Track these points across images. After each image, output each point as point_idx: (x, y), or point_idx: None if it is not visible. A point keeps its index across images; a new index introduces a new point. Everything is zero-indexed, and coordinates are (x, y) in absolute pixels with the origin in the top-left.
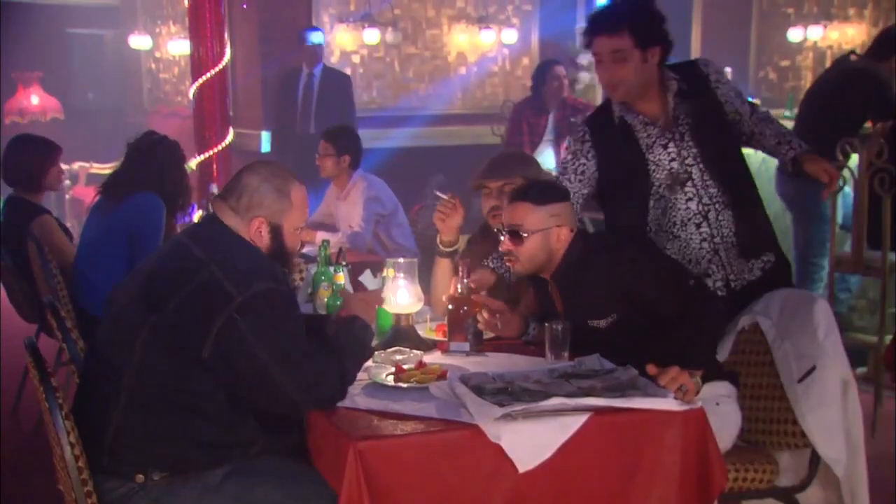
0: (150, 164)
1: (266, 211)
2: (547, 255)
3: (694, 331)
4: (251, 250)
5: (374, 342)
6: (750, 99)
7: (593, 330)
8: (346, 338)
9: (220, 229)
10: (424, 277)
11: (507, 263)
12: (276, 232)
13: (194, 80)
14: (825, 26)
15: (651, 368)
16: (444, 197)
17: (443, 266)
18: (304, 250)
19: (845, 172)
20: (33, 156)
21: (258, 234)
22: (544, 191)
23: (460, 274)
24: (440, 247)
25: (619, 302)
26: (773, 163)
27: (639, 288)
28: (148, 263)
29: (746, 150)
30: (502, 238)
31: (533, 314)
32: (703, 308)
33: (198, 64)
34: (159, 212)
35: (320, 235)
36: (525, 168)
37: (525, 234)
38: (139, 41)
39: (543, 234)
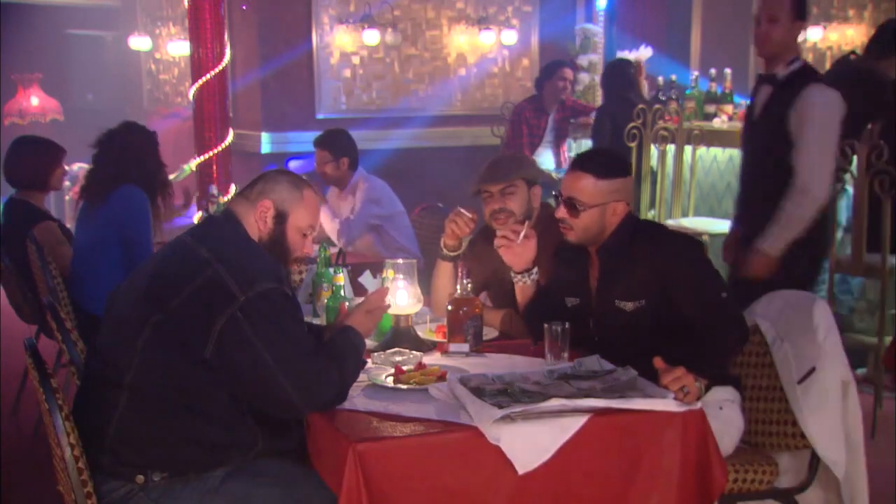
0: (120, 155)
1: (276, 196)
2: (601, 228)
3: (712, 343)
4: (256, 251)
5: (374, 343)
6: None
7: (618, 311)
8: (345, 343)
9: (226, 229)
10: (426, 279)
11: (562, 229)
12: (280, 218)
13: (194, 81)
14: (825, 27)
15: (658, 362)
16: (465, 214)
17: (444, 268)
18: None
19: (846, 175)
20: (39, 157)
21: (263, 217)
22: (608, 164)
23: (460, 275)
24: (444, 251)
25: (650, 289)
26: None
27: (673, 280)
28: (151, 262)
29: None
30: (557, 204)
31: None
32: (727, 324)
33: (197, 65)
34: (143, 201)
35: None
36: (524, 170)
37: (582, 208)
38: (139, 42)
39: (601, 209)
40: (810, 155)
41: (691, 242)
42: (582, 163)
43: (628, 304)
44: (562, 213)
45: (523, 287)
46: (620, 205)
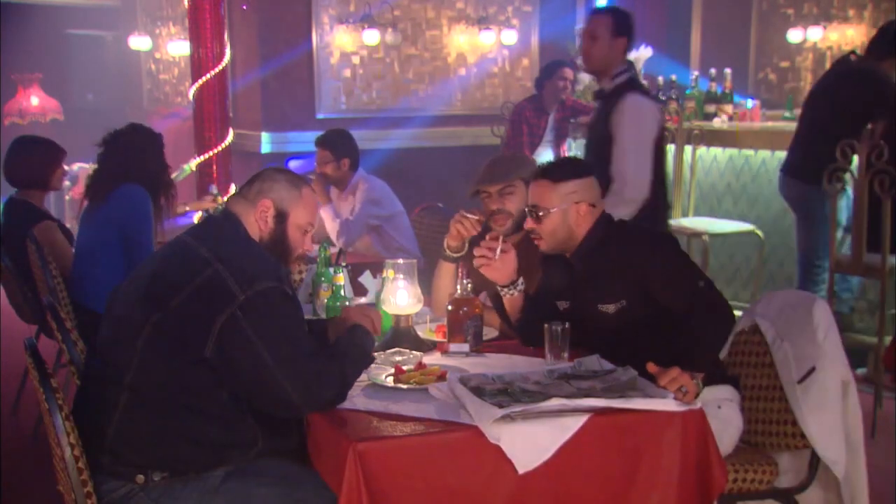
0: (123, 155)
1: (276, 195)
2: (567, 231)
3: (698, 332)
4: (256, 250)
5: (374, 343)
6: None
7: (601, 314)
8: (348, 343)
9: (226, 228)
10: (426, 279)
11: (535, 242)
12: (281, 218)
13: (194, 80)
14: (825, 27)
15: (651, 367)
16: (471, 217)
17: (446, 269)
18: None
19: (846, 175)
20: (39, 157)
21: (263, 216)
22: (561, 168)
23: (459, 275)
24: (447, 252)
25: (629, 288)
26: (775, 164)
27: (649, 277)
28: (151, 262)
29: (746, 151)
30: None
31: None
32: (710, 311)
33: (197, 65)
34: (144, 199)
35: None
36: (523, 170)
37: (543, 213)
38: (139, 42)
39: (562, 211)
40: (625, 162)
41: (660, 238)
42: (538, 171)
43: (610, 306)
44: (529, 223)
45: (511, 299)
46: (583, 206)
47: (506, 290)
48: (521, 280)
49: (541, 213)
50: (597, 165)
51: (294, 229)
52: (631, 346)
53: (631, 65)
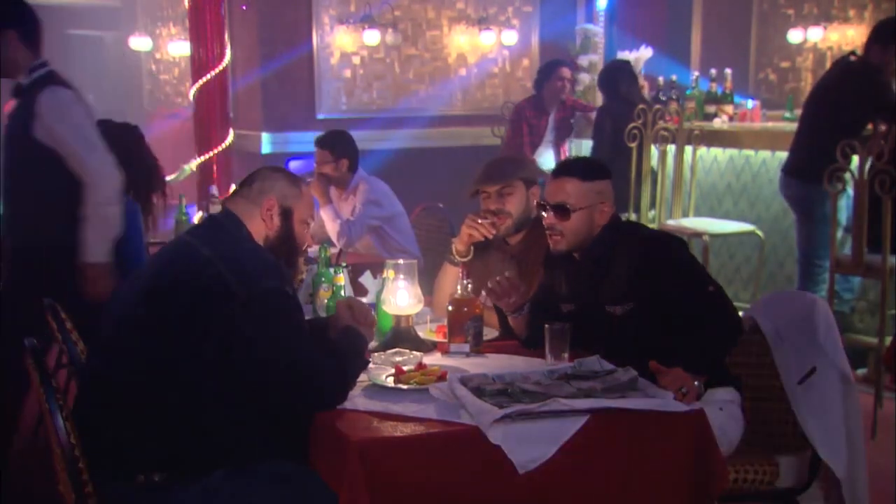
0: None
1: (278, 193)
2: (589, 230)
3: (704, 336)
4: (257, 250)
5: (374, 343)
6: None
7: (608, 315)
8: (346, 343)
9: (227, 228)
10: (426, 280)
11: (551, 240)
12: (286, 215)
13: (194, 81)
14: (825, 27)
15: (654, 364)
16: (484, 221)
17: (451, 271)
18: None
19: (846, 175)
20: None
21: (269, 215)
22: (591, 167)
23: (460, 275)
24: (454, 256)
25: (638, 291)
26: (775, 164)
27: (660, 280)
28: (152, 262)
29: (746, 151)
30: (544, 214)
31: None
32: (718, 316)
33: (198, 65)
34: (133, 213)
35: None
36: (521, 170)
37: (572, 209)
38: (139, 42)
39: (589, 210)
40: (83, 155)
41: (672, 240)
42: (565, 169)
43: (617, 308)
44: (550, 220)
45: (515, 320)
46: (606, 205)
47: (511, 314)
48: (526, 306)
49: (570, 209)
50: (30, 170)
51: (299, 224)
52: (635, 350)
53: (46, 62)
